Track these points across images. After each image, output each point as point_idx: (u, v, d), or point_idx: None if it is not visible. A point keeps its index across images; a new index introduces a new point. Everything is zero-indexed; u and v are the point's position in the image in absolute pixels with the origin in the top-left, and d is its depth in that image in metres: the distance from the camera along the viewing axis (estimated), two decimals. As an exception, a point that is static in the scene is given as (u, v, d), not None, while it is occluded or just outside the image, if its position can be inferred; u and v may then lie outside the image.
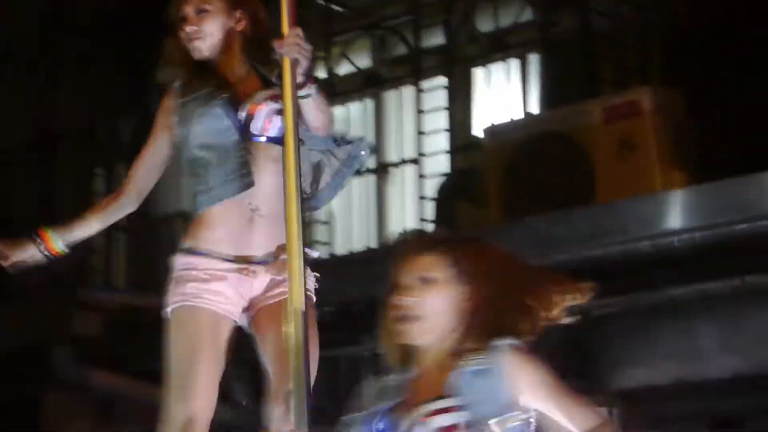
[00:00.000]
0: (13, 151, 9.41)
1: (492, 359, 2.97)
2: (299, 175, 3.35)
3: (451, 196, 8.80)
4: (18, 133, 9.55)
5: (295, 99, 3.41)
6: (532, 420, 2.96)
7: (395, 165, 9.39)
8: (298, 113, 3.42)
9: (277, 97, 3.65)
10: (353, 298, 7.77)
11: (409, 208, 9.03)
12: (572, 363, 7.23)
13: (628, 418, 6.95)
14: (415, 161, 9.08)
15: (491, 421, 2.90)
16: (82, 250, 8.48)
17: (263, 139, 3.81)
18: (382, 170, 9.45)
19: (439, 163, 9.12)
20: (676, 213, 6.99)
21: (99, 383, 5.76)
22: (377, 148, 9.41)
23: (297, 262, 3.27)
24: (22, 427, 7.22)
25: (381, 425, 2.99)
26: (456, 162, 9.04)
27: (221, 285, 3.76)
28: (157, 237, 8.85)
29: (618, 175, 7.57)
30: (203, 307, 3.75)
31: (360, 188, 9.26)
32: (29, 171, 9.42)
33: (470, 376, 2.95)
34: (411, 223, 8.98)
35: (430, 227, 8.79)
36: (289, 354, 3.24)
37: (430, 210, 8.89)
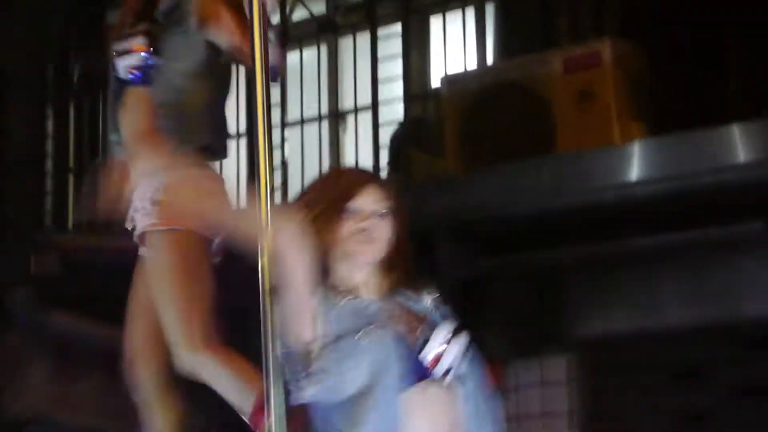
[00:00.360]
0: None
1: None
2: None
3: (406, 144, 8.76)
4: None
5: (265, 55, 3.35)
6: None
7: (350, 112, 9.29)
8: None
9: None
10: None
11: (364, 156, 8.95)
12: (534, 311, 7.27)
13: (589, 366, 6.99)
14: (370, 109, 9.00)
15: None
16: (35, 193, 8.38)
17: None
18: (336, 117, 9.36)
19: (395, 112, 9.06)
20: (640, 163, 7.00)
21: (57, 325, 5.65)
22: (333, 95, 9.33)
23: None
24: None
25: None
26: (411, 110, 8.98)
27: None
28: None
29: (577, 125, 7.57)
30: None
31: (314, 134, 9.17)
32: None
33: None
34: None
35: (384, 175, 8.74)
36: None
37: (384, 158, 8.83)
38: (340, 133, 9.40)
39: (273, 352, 3.20)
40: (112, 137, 4.11)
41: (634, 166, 7.04)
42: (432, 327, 3.30)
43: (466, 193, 7.36)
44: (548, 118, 7.67)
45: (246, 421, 3.64)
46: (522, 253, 7.17)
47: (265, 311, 3.22)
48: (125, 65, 3.87)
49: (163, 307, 3.78)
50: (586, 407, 7.34)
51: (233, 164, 8.71)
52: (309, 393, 3.19)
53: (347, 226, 3.30)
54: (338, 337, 3.22)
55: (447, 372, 3.24)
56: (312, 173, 9.06)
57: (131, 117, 3.89)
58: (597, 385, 7.33)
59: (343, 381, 3.18)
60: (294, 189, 9.24)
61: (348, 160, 9.21)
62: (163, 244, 3.83)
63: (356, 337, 3.21)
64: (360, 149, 8.95)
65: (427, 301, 3.45)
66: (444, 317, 3.40)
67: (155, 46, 3.89)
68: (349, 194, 3.34)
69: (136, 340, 3.97)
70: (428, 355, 3.22)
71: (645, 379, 7.39)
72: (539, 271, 7.35)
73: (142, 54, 3.87)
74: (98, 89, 9.02)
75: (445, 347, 3.23)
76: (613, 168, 7.05)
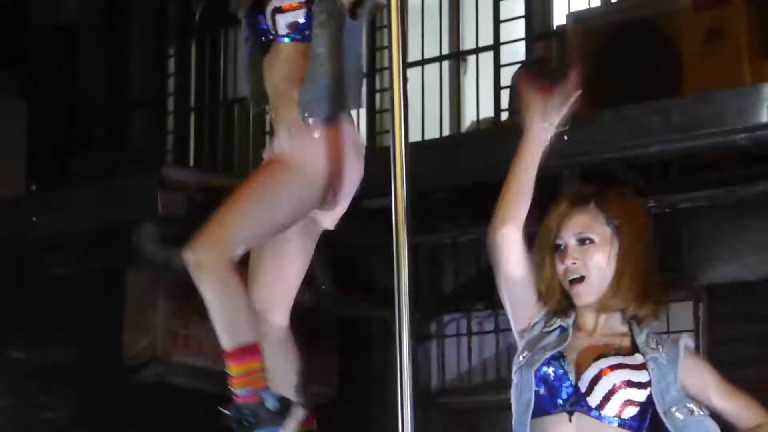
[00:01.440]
0: (84, 29, 9.29)
1: (670, 351, 3.20)
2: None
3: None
4: (88, 12, 9.42)
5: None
6: (702, 412, 3.15)
7: (471, 53, 9.17)
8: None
9: None
10: (429, 185, 7.66)
11: (485, 98, 8.85)
12: (661, 256, 7.14)
13: (716, 313, 6.87)
14: (492, 49, 8.88)
15: (672, 408, 3.13)
16: (157, 131, 8.43)
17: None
18: (457, 57, 9.24)
19: (516, 52, 8.92)
20: (774, 105, 6.80)
21: (181, 263, 5.67)
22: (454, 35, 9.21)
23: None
24: (107, 303, 7.22)
25: (549, 369, 3.14)
26: (534, 51, 8.83)
27: None
28: (230, 118, 8.75)
29: (705, 65, 7.39)
30: None
31: (434, 76, 9.08)
32: (102, 50, 9.30)
33: (655, 360, 3.16)
34: (486, 113, 8.80)
35: (505, 116, 8.64)
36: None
37: (506, 100, 8.72)
38: (461, 74, 9.27)
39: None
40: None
41: (765, 108, 6.85)
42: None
43: (591, 134, 7.22)
44: (676, 57, 7.49)
45: (223, 348, 3.51)
46: (649, 197, 7.02)
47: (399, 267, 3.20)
48: (286, 22, 3.80)
49: (224, 205, 3.67)
50: (710, 356, 7.22)
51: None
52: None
53: (559, 266, 3.19)
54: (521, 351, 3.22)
55: (602, 407, 3.08)
56: (432, 115, 9.05)
57: (282, 71, 3.81)
58: (723, 333, 7.19)
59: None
60: (414, 131, 9.16)
61: (468, 100, 9.11)
62: (272, 165, 3.73)
63: (520, 358, 3.19)
64: (481, 90, 8.85)
65: (670, 343, 3.24)
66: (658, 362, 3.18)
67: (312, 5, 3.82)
68: (551, 230, 3.22)
69: (263, 289, 3.89)
70: (583, 384, 3.11)
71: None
72: (666, 215, 7.21)
73: (303, 11, 3.79)
74: (220, 28, 9.03)
75: (602, 381, 3.10)
76: (744, 109, 6.86)
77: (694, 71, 7.38)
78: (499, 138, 7.91)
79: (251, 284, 3.76)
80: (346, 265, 7.59)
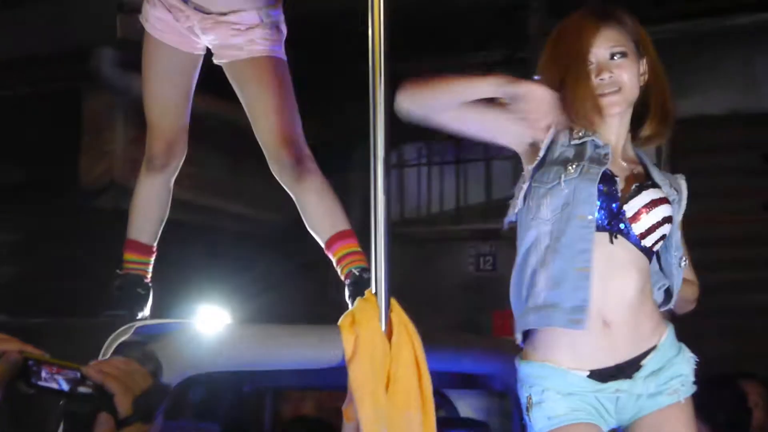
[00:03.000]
0: None
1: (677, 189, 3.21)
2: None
3: None
4: None
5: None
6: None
7: None
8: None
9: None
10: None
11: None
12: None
13: (681, 146, 6.84)
14: None
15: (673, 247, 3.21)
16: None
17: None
18: None
19: None
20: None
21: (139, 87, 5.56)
22: None
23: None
24: (64, 127, 7.09)
25: (605, 186, 3.07)
26: None
27: None
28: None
29: None
30: None
31: None
32: None
33: (673, 199, 3.17)
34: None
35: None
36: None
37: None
38: None
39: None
40: None
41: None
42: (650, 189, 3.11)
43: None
44: None
45: (326, 237, 3.68)
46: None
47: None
48: None
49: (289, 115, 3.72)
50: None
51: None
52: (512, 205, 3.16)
53: (593, 80, 3.10)
54: (554, 162, 3.11)
55: (644, 237, 3.07)
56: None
57: None
58: (683, 165, 7.19)
59: (538, 206, 3.08)
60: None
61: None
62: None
63: (568, 168, 3.08)
64: None
65: (673, 179, 3.22)
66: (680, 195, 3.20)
67: None
68: (584, 46, 3.11)
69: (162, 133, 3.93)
70: (630, 210, 3.06)
71: (737, 160, 7.25)
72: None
73: None
74: None
75: (651, 213, 3.08)
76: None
77: None
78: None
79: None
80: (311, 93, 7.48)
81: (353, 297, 3.30)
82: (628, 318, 3.06)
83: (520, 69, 7.85)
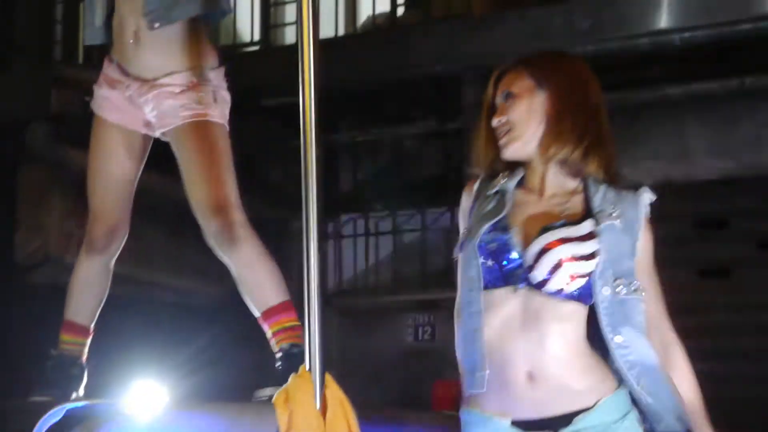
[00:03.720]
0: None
1: (629, 213, 3.03)
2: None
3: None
4: None
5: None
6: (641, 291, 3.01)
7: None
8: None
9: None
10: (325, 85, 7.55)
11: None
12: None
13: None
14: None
15: (618, 281, 2.98)
16: (49, 23, 8.13)
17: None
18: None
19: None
20: (678, 10, 6.80)
21: (77, 161, 5.54)
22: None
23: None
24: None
25: (493, 240, 3.01)
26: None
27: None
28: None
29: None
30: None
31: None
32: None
33: (609, 228, 2.98)
34: (382, 7, 8.67)
35: (401, 11, 8.53)
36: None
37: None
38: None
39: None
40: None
41: (668, 13, 6.85)
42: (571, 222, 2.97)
43: (495, 35, 7.16)
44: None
45: (261, 309, 3.67)
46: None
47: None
48: None
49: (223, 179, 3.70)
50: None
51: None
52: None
53: (493, 125, 3.10)
54: (471, 209, 3.12)
55: (545, 283, 2.92)
56: (327, 11, 8.89)
57: None
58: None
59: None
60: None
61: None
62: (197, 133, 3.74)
63: (462, 230, 3.09)
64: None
65: (631, 201, 3.03)
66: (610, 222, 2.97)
67: None
68: (487, 96, 3.14)
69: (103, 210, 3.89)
70: (528, 257, 2.95)
71: (669, 228, 7.31)
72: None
73: None
74: None
75: (552, 253, 2.92)
76: (648, 14, 6.86)
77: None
78: (397, 36, 7.85)
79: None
80: (243, 165, 7.49)
81: (286, 373, 3.30)
82: (555, 371, 2.95)
83: (455, 140, 7.92)
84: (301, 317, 3.16)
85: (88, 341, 3.80)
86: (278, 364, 3.61)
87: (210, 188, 3.69)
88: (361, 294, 8.64)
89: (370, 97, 7.92)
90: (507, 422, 2.99)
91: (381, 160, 8.63)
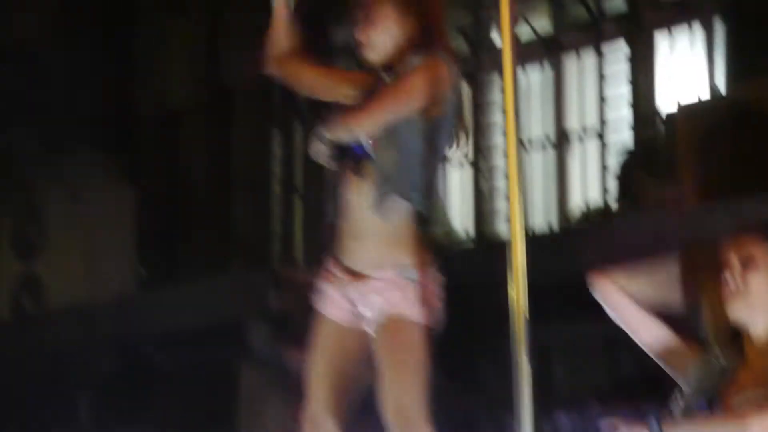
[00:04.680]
0: (187, 109, 9.30)
1: None
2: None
3: (635, 168, 8.52)
4: (192, 91, 9.44)
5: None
6: None
7: (575, 134, 9.06)
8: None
9: None
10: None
11: (591, 180, 8.75)
12: None
13: None
14: (597, 133, 8.80)
15: None
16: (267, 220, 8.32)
17: None
18: (562, 139, 9.13)
19: (621, 133, 8.82)
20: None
21: (294, 361, 5.64)
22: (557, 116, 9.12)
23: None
24: (221, 403, 7.18)
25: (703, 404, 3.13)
26: (639, 133, 8.72)
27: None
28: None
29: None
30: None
31: (540, 159, 8.99)
32: (205, 129, 9.31)
33: None
34: (593, 197, 8.70)
35: (612, 201, 8.55)
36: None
37: (612, 182, 8.62)
38: (565, 155, 9.17)
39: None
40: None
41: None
42: None
43: (703, 225, 7.09)
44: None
45: None
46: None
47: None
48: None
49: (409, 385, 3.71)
50: None
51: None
52: None
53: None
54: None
55: None
56: (537, 195, 8.95)
57: None
58: None
59: None
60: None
61: (574, 184, 9.01)
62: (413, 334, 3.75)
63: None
64: (586, 173, 8.76)
65: None
66: None
67: None
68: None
69: (322, 400, 3.89)
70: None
71: None
72: None
73: None
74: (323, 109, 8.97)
75: None
76: None
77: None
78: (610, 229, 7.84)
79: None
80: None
81: None
82: None
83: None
84: None
85: None
86: None
87: (393, 392, 3.67)
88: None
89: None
90: None
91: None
